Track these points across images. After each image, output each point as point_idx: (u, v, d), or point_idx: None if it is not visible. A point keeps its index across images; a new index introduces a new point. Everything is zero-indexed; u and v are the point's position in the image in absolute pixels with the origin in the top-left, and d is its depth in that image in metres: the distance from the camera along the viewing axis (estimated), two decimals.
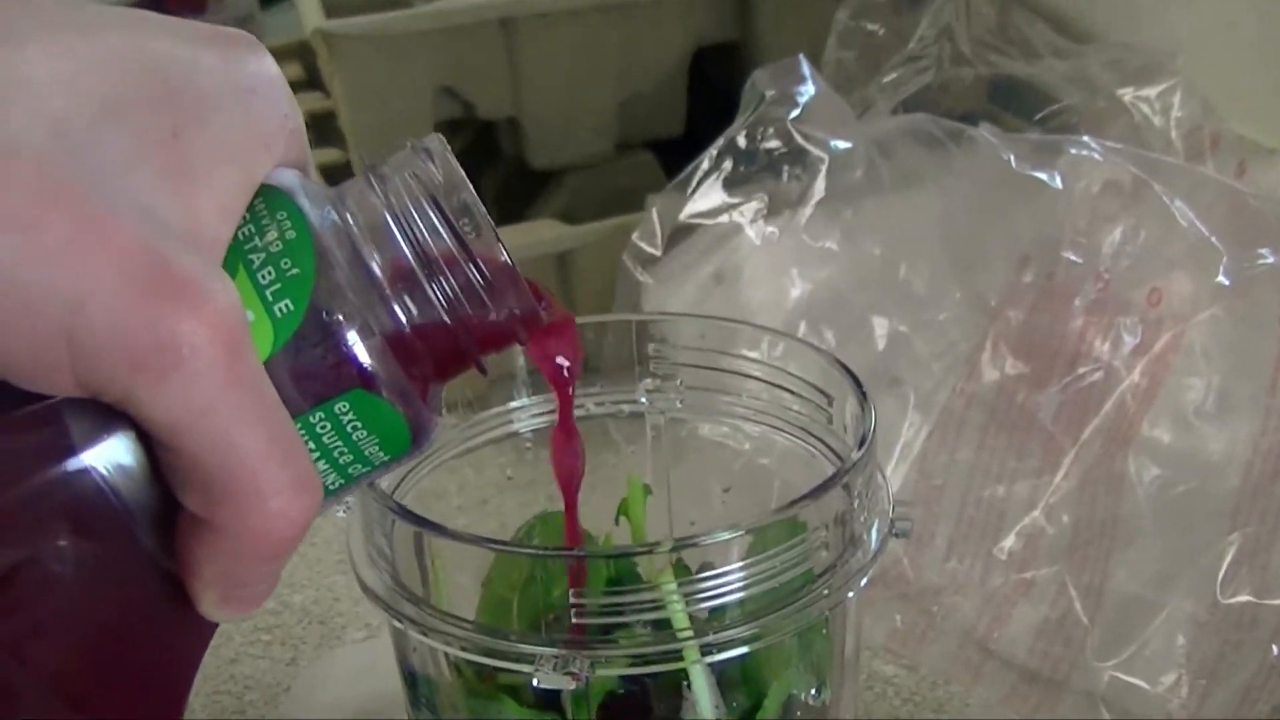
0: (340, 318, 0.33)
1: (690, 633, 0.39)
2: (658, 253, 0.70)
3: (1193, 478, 0.60)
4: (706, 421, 0.49)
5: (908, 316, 0.65)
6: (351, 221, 0.34)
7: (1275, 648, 0.56)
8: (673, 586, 0.39)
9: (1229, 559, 0.57)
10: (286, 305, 0.32)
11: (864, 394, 0.43)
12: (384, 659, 0.65)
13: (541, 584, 0.41)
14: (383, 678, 0.65)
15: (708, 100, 0.90)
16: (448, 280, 0.34)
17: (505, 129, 0.89)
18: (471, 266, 0.34)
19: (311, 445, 0.33)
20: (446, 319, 0.34)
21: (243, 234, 0.33)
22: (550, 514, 0.46)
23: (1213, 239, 0.58)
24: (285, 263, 0.33)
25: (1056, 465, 0.63)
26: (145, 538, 0.32)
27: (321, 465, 0.34)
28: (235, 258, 0.33)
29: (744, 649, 0.39)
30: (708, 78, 0.95)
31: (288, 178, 0.34)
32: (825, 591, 0.40)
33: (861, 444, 0.41)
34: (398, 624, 0.41)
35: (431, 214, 0.34)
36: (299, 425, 0.33)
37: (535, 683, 0.38)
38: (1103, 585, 0.61)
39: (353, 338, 0.33)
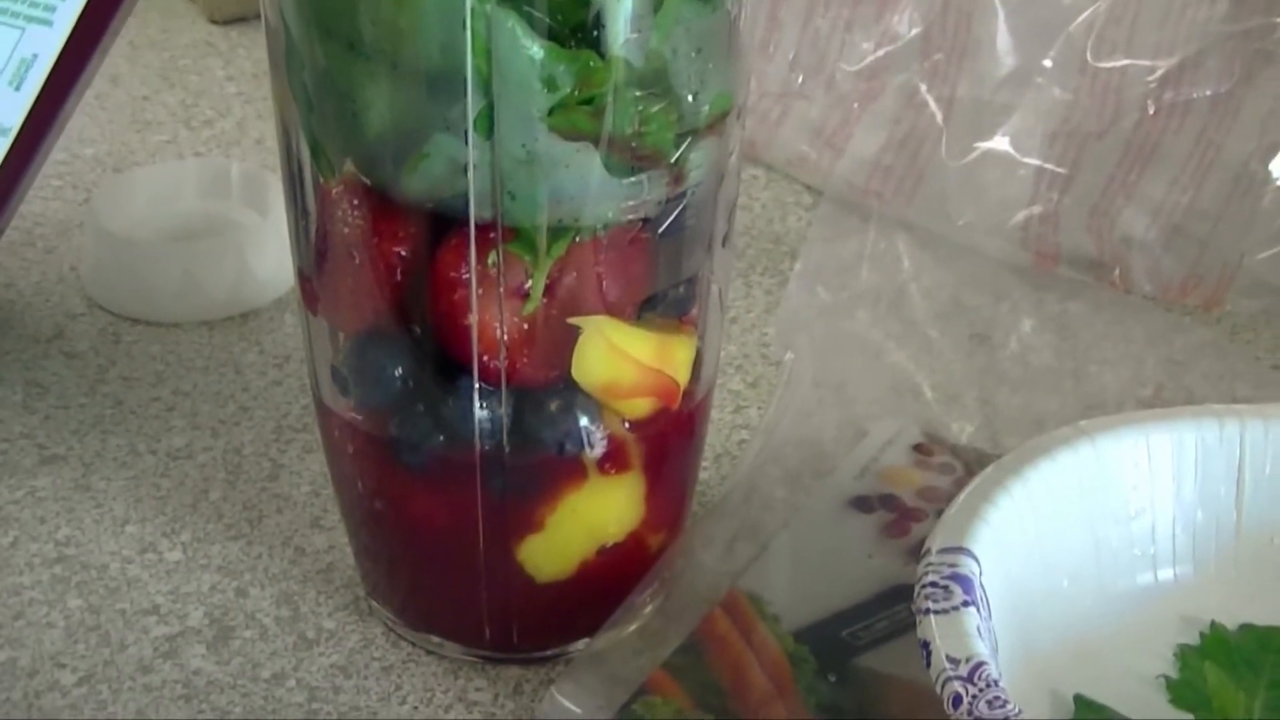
0: None
1: None
2: None
3: None
4: None
5: None
6: None
7: (1151, 105, 0.54)
8: None
9: (1094, 30, 0.56)
10: None
11: None
12: (188, 181, 0.60)
13: None
14: (187, 199, 0.61)
15: None
16: None
17: None
18: None
19: None
20: None
21: None
22: None
23: None
24: None
25: None
26: None
27: None
28: None
29: None
30: None
31: None
32: None
33: None
34: None
35: None
36: None
37: None
38: (954, 94, 0.60)
39: None
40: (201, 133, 0.71)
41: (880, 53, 0.60)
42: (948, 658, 0.36)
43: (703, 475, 0.50)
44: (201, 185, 0.62)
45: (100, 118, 0.71)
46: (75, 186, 0.66)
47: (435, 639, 0.45)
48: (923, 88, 0.59)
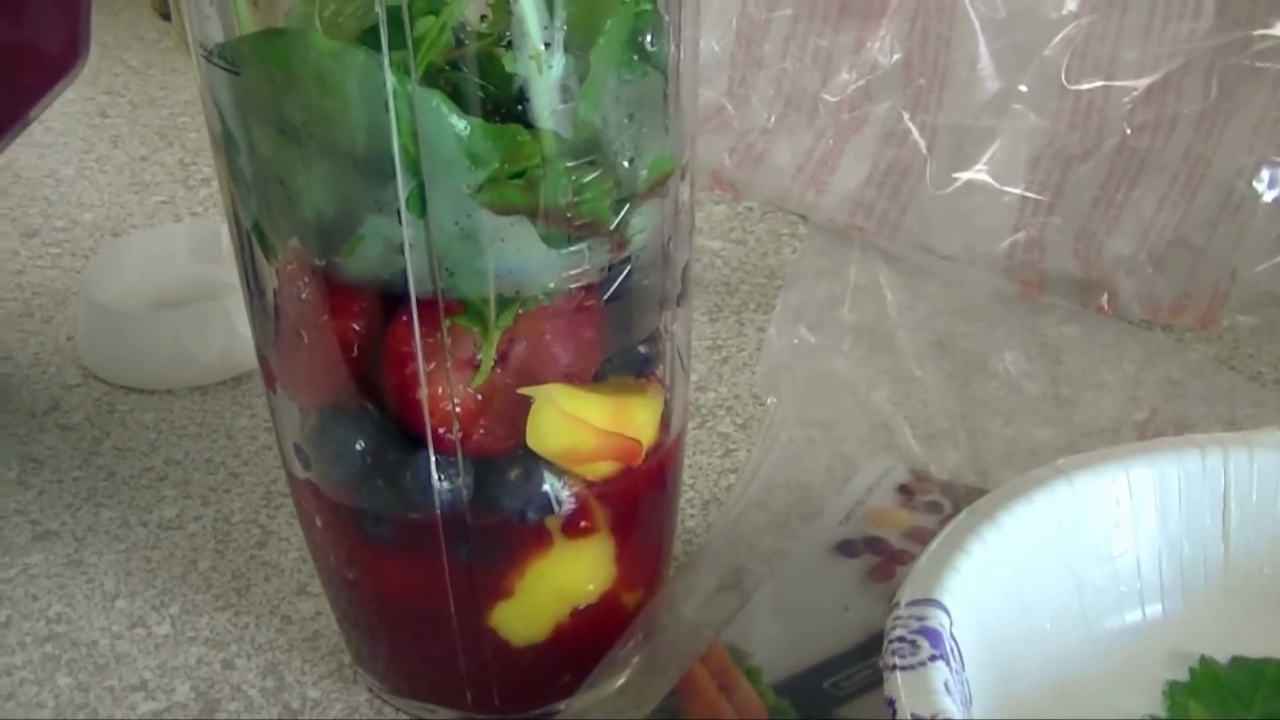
0: None
1: None
2: None
3: None
4: None
5: None
6: None
7: (1134, 123, 0.53)
8: None
9: (1072, 49, 0.55)
10: None
11: None
12: (180, 245, 0.61)
13: None
14: (180, 263, 0.61)
15: None
16: None
17: None
18: None
19: None
20: None
21: None
22: None
23: None
24: None
25: (883, 10, 0.60)
26: None
27: None
28: None
29: None
30: None
31: None
32: None
33: None
34: None
35: None
36: None
37: None
38: (936, 121, 0.59)
39: None
40: (199, 191, 0.71)
41: (861, 82, 0.59)
42: (913, 716, 0.36)
43: (689, 523, 0.50)
44: (193, 248, 0.62)
45: (100, 181, 0.72)
46: (73, 254, 0.67)
47: (417, 704, 0.45)
48: (905, 115, 0.58)
